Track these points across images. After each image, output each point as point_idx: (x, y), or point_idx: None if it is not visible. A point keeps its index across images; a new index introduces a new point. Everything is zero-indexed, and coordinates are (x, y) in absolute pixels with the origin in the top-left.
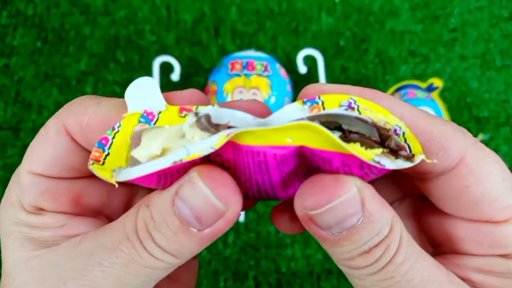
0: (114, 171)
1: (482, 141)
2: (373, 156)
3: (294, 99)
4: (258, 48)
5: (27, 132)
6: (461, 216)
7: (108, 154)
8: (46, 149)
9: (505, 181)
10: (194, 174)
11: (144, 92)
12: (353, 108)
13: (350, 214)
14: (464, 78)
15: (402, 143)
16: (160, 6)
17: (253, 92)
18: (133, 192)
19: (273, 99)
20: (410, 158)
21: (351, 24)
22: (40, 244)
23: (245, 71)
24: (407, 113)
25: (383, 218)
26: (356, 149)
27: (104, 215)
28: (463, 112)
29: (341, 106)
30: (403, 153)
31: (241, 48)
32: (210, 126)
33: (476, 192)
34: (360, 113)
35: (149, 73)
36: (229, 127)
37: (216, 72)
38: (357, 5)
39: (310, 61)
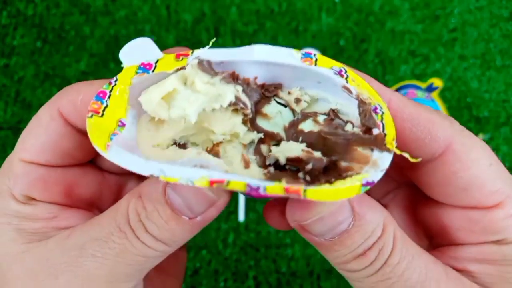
0: (110, 139)
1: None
2: (359, 188)
3: None
4: None
5: None
6: (452, 203)
7: (107, 106)
8: (38, 136)
9: (492, 166)
10: None
11: (140, 49)
12: (342, 76)
13: (340, 221)
14: (464, 78)
15: (378, 120)
16: (160, 6)
17: None
18: (122, 183)
19: None
20: (382, 142)
21: (351, 24)
22: (30, 237)
23: None
24: (395, 98)
25: (374, 220)
26: (343, 195)
27: (95, 207)
28: (463, 112)
29: (331, 69)
30: (375, 130)
31: None
32: (211, 69)
33: (464, 178)
34: (347, 82)
35: None
36: (232, 74)
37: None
38: (357, 5)
39: None
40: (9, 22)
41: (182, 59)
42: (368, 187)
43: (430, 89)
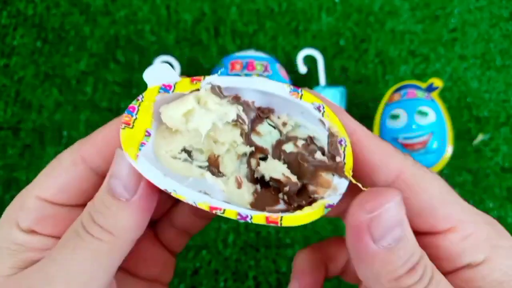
0: (139, 150)
1: (483, 141)
2: (323, 211)
3: None
4: (258, 48)
5: (27, 132)
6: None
7: (136, 118)
8: (58, 177)
9: (442, 194)
10: (118, 150)
11: (160, 73)
12: (319, 111)
13: (397, 220)
14: (464, 78)
15: (341, 151)
16: (160, 6)
17: None
18: None
19: None
20: (341, 169)
21: (351, 24)
22: (20, 263)
23: (245, 71)
24: (359, 130)
25: (413, 238)
26: (311, 218)
27: None
28: (463, 112)
29: (312, 104)
30: (337, 159)
31: (241, 48)
32: (220, 93)
33: (415, 204)
34: (323, 116)
35: None
36: (236, 97)
37: (216, 72)
38: (357, 5)
39: (310, 61)
40: (9, 22)
41: (196, 82)
42: (329, 209)
43: (430, 89)
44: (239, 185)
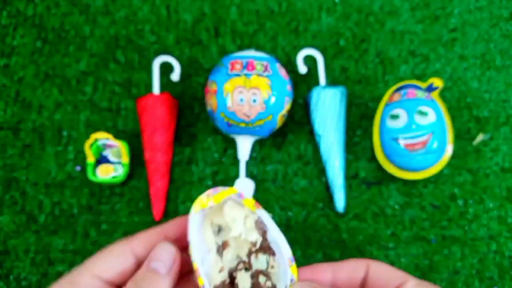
0: (198, 211)
1: (483, 141)
2: None
3: (294, 99)
4: (258, 48)
5: (27, 132)
6: None
7: (213, 195)
8: (112, 261)
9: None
10: (162, 243)
11: (246, 186)
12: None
13: None
14: (464, 78)
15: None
16: (160, 6)
17: (253, 92)
18: None
19: (273, 99)
20: None
21: (351, 24)
22: None
23: (245, 71)
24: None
25: None
26: None
27: None
28: (463, 112)
29: (292, 276)
30: None
31: (241, 48)
32: (259, 226)
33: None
34: (291, 272)
35: (149, 73)
36: (264, 231)
37: (216, 72)
38: (357, 5)
39: (310, 61)
40: (9, 22)
41: (256, 208)
42: None
43: (430, 89)
44: (222, 270)
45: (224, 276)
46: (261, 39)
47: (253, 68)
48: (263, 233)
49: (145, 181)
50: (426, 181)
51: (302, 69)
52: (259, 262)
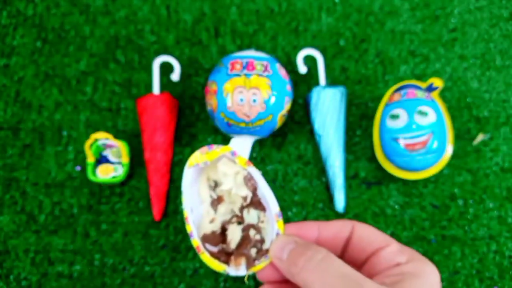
0: (193, 165)
1: (483, 141)
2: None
3: (294, 99)
4: (258, 48)
5: (27, 132)
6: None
7: (208, 152)
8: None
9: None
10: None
11: (242, 145)
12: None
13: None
14: (464, 78)
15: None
16: (160, 6)
17: (253, 92)
18: None
19: (273, 99)
20: (252, 263)
21: (351, 24)
22: None
23: (245, 71)
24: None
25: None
26: (213, 265)
27: None
28: (463, 112)
29: (278, 230)
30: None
31: (241, 48)
32: (248, 181)
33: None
34: (277, 225)
35: (149, 73)
36: (254, 188)
37: (216, 72)
38: (357, 5)
39: (310, 61)
40: (9, 22)
41: (248, 165)
42: (225, 273)
43: (430, 89)
44: (213, 221)
45: (215, 227)
46: (261, 39)
47: (253, 68)
48: (254, 189)
49: (145, 181)
50: (426, 181)
51: (302, 69)
52: (251, 216)
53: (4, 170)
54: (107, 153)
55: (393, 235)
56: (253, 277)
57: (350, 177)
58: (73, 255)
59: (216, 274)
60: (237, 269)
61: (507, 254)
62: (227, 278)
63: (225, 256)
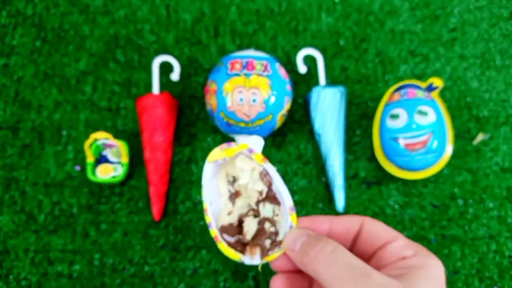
0: (214, 161)
1: (482, 141)
2: (240, 257)
3: (293, 98)
4: (258, 47)
5: (26, 132)
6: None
7: (228, 149)
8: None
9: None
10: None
11: (257, 142)
12: (291, 216)
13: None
14: (464, 78)
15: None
16: (160, 5)
17: (253, 92)
18: None
19: (273, 99)
20: (266, 252)
21: (350, 23)
22: None
23: (245, 71)
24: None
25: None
26: (230, 254)
27: None
28: (463, 111)
29: (291, 222)
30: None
31: (240, 47)
32: (264, 176)
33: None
34: (291, 219)
35: (148, 72)
36: (270, 183)
37: (215, 71)
38: (356, 4)
39: (310, 61)
40: (8, 21)
41: (264, 162)
42: (241, 261)
43: (430, 88)
44: (230, 213)
45: (233, 219)
46: (261, 38)
47: (253, 68)
48: (269, 185)
49: (145, 180)
50: (426, 181)
51: (302, 68)
52: (266, 210)
53: (3, 170)
54: (107, 152)
55: None
56: (262, 272)
57: (350, 177)
58: (73, 255)
59: (216, 274)
60: (252, 258)
61: (507, 254)
62: (227, 278)
63: (241, 246)
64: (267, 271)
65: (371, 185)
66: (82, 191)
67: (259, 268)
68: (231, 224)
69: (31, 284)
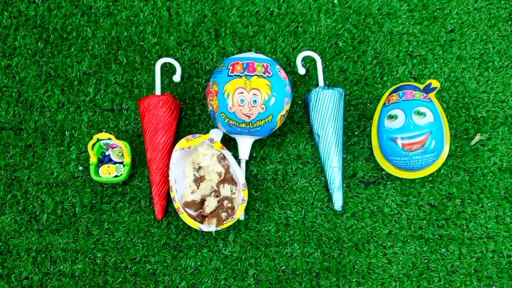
0: (184, 148)
1: (480, 141)
2: (198, 226)
3: (293, 99)
4: (258, 49)
5: (29, 132)
6: None
7: (193, 139)
8: None
9: None
10: None
11: (218, 134)
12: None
13: None
14: (462, 79)
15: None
16: (161, 8)
17: (253, 93)
18: None
19: (273, 100)
20: (221, 222)
21: (349, 25)
22: None
23: (246, 73)
24: None
25: None
26: (190, 222)
27: None
28: (461, 112)
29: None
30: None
31: (241, 50)
32: (222, 160)
33: None
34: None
35: (150, 74)
36: (227, 169)
37: (217, 73)
38: (355, 7)
39: (309, 62)
40: (11, 23)
41: (222, 149)
42: (199, 229)
43: (428, 90)
44: (193, 191)
45: (195, 197)
46: (261, 40)
47: (254, 70)
48: (227, 168)
49: (147, 180)
50: (423, 181)
51: (301, 70)
52: (226, 190)
53: (6, 170)
54: (110, 153)
55: (390, 234)
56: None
57: (349, 177)
58: (75, 254)
59: (217, 272)
60: (209, 226)
61: (505, 253)
62: (227, 276)
63: (201, 218)
64: (266, 269)
65: (369, 185)
66: (84, 190)
67: (214, 233)
68: (193, 201)
69: (33, 283)
